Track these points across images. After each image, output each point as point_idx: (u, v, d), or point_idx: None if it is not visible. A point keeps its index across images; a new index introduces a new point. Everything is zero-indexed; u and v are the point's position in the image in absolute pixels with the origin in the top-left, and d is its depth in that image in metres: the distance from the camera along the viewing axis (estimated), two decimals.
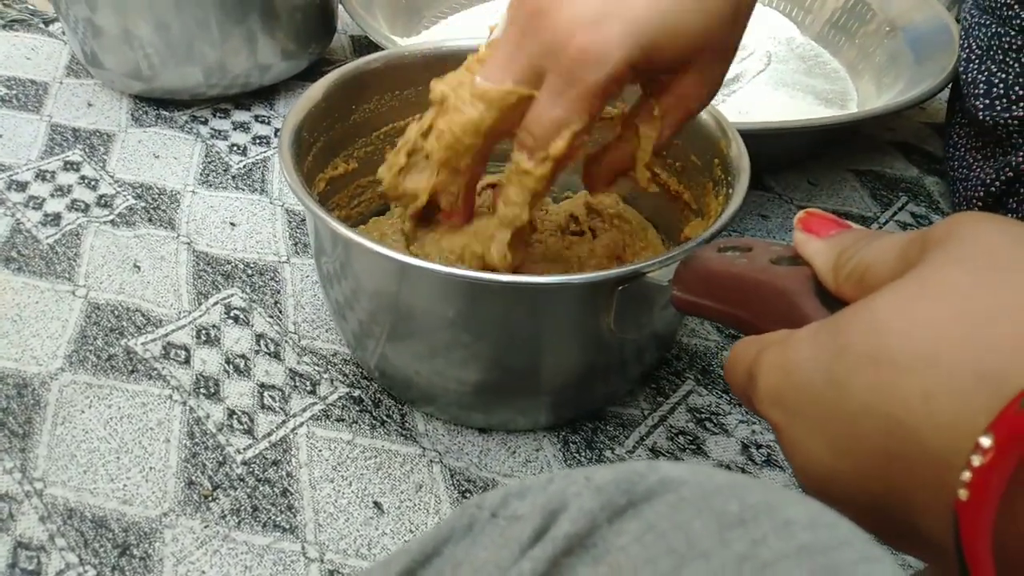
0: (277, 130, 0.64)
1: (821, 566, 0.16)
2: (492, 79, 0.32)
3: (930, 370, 0.18)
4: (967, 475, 0.17)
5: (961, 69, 0.57)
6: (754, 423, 0.43)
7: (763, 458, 0.41)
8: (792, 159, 0.64)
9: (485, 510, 0.20)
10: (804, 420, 0.21)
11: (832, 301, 0.24)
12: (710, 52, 0.32)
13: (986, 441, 0.16)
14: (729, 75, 0.70)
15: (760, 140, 0.58)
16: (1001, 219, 0.20)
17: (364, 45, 0.77)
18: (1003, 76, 0.52)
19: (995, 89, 0.52)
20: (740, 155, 0.40)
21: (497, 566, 0.18)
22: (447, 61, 0.48)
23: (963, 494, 0.17)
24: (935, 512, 0.18)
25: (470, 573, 0.18)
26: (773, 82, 0.72)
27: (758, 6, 0.82)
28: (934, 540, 0.19)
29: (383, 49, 0.59)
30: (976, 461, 0.16)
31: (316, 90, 0.43)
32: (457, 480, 0.39)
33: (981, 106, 0.53)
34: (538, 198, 0.34)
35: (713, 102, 0.61)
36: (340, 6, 0.68)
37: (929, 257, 0.20)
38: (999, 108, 0.51)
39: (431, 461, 0.40)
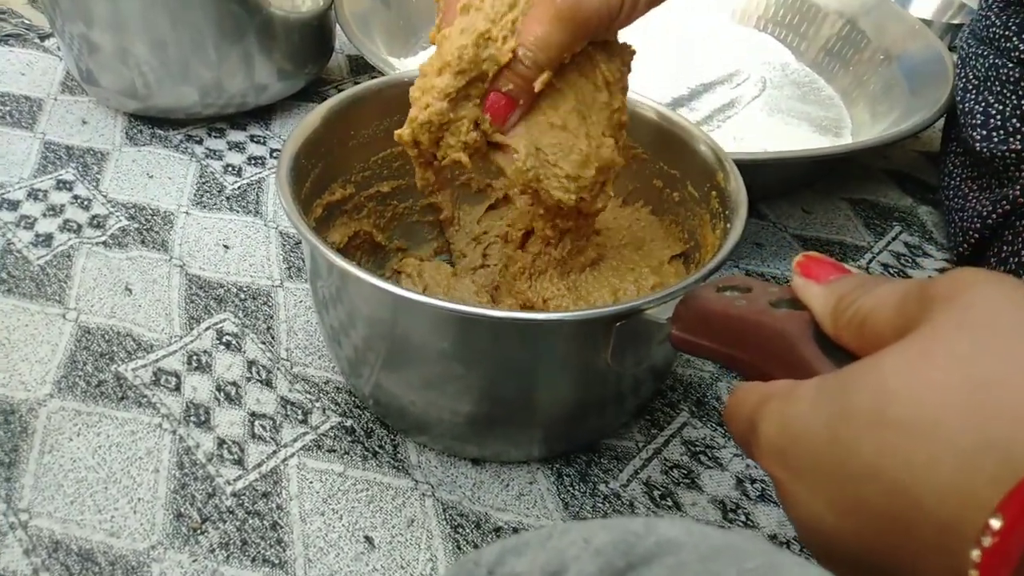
0: (273, 150, 0.64)
1: None
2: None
3: (934, 436, 0.18)
4: (977, 554, 0.17)
5: (958, 99, 0.57)
6: (748, 457, 0.43)
7: (757, 493, 0.41)
8: (787, 187, 0.64)
9: (482, 568, 0.20)
10: (806, 478, 0.21)
11: (831, 346, 0.24)
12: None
13: (996, 523, 0.16)
14: (724, 100, 0.72)
15: (755, 169, 0.58)
16: (1003, 279, 0.20)
17: (361, 66, 0.77)
18: (1000, 108, 0.52)
19: (992, 120, 0.52)
20: (738, 189, 0.40)
21: None
22: None
23: (974, 575, 0.17)
24: (937, 574, 0.18)
25: None
26: (768, 108, 0.72)
27: (753, 31, 0.83)
28: None
29: (379, 69, 0.59)
30: (986, 542, 0.17)
31: (314, 116, 0.43)
32: (450, 514, 0.39)
33: (978, 137, 0.53)
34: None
35: (708, 127, 0.61)
36: (337, 27, 0.68)
37: (933, 318, 0.20)
38: (996, 140, 0.52)
39: (423, 494, 0.40)
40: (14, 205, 0.55)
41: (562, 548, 0.19)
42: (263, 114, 0.67)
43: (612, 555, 0.18)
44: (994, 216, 0.51)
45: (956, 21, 0.89)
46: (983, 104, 0.54)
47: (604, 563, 0.18)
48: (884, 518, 0.19)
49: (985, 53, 0.55)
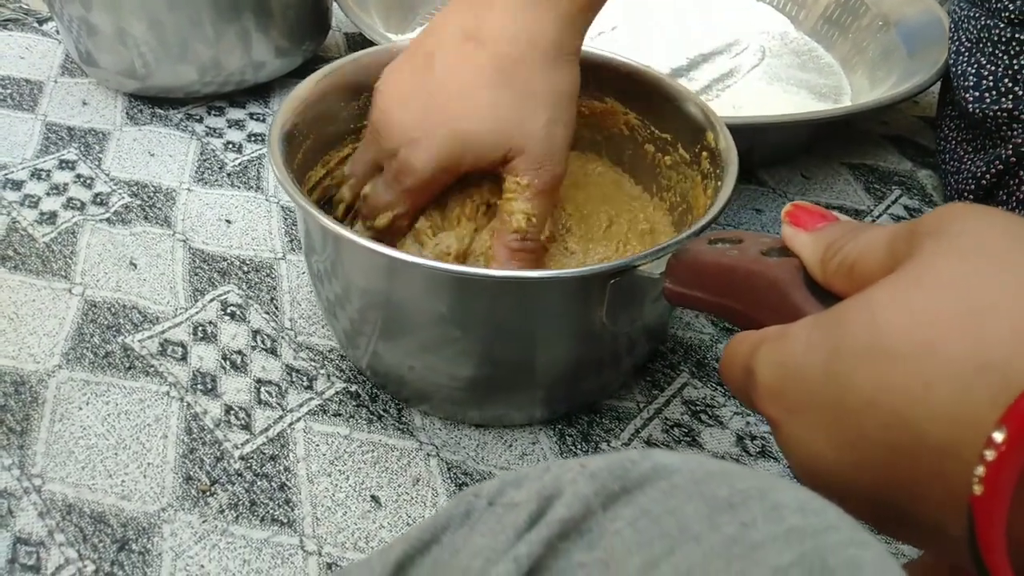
0: None
1: (810, 548, 0.16)
2: (351, 171, 0.43)
3: (930, 362, 0.18)
4: (980, 469, 0.17)
5: (951, 62, 0.57)
6: (749, 415, 0.43)
7: (757, 449, 0.41)
8: (786, 153, 0.64)
9: (482, 499, 0.20)
10: (804, 416, 0.22)
11: (822, 292, 0.25)
12: (521, 153, 0.38)
13: (999, 436, 0.16)
14: (723, 70, 0.72)
15: (754, 134, 0.58)
16: (988, 209, 0.20)
17: (358, 42, 0.77)
18: (992, 68, 0.52)
19: (984, 81, 0.52)
20: (728, 147, 0.41)
21: (494, 550, 0.18)
22: None
23: (977, 489, 0.17)
24: (940, 501, 0.19)
25: (468, 559, 0.18)
26: (767, 77, 0.72)
27: (752, 1, 0.83)
28: (936, 529, 0.19)
29: (377, 45, 0.59)
30: (989, 455, 0.17)
31: (305, 87, 0.43)
32: (454, 473, 0.39)
33: (971, 98, 0.53)
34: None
35: (707, 97, 0.61)
36: (334, 3, 0.68)
37: (922, 250, 0.20)
38: (988, 100, 0.52)
39: (428, 455, 0.40)
40: (18, 185, 0.56)
41: (559, 475, 0.19)
42: (262, 92, 0.67)
43: (607, 479, 0.19)
44: (988, 176, 0.51)
45: None
46: (975, 66, 0.54)
47: (599, 486, 0.18)
48: (883, 449, 0.19)
49: (976, 15, 0.55)
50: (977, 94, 0.53)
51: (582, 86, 0.40)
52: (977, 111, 0.52)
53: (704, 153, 0.43)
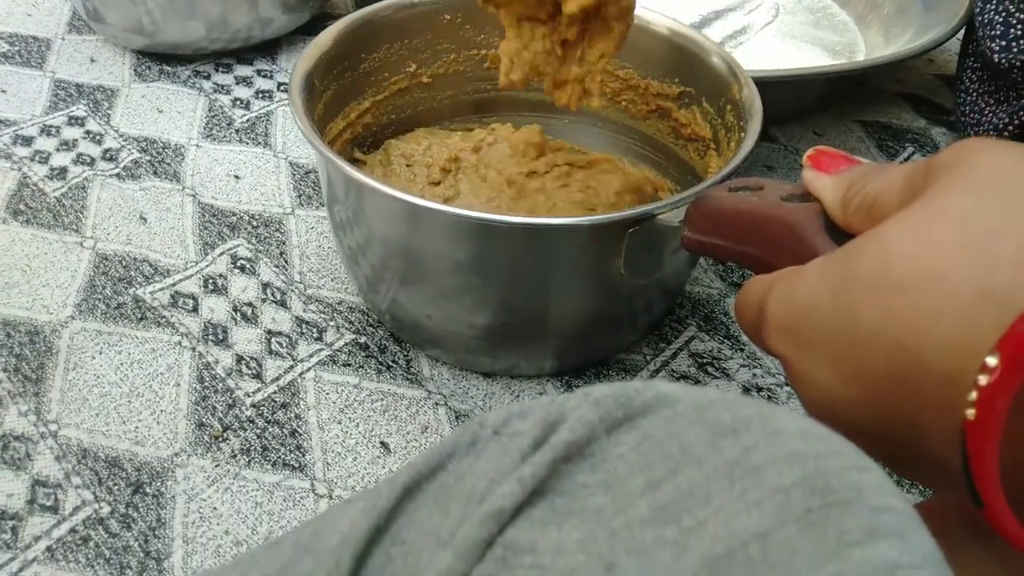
0: (280, 84, 0.64)
1: (811, 472, 0.17)
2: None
3: (935, 290, 0.18)
4: (974, 395, 0.17)
5: (977, 11, 0.56)
6: (755, 367, 0.43)
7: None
8: (799, 110, 0.63)
9: (488, 428, 0.20)
10: (812, 350, 0.22)
11: (841, 236, 0.25)
12: None
13: (992, 360, 0.16)
14: (737, 27, 0.71)
15: (766, 90, 0.57)
16: (1005, 143, 0.20)
17: None
18: (1021, 17, 0.51)
19: (1012, 30, 0.51)
20: (752, 97, 0.40)
21: (499, 472, 0.18)
22: (458, 10, 0.48)
23: (970, 413, 0.17)
24: (942, 433, 0.19)
25: (472, 482, 0.19)
26: (781, 34, 0.71)
27: None
28: (941, 463, 0.19)
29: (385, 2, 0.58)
30: (983, 380, 0.17)
31: (325, 37, 0.43)
32: (461, 421, 0.40)
33: (997, 48, 0.52)
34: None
35: (718, 46, 0.59)
36: None
37: (935, 184, 0.20)
38: (1016, 49, 0.51)
39: (436, 403, 0.41)
40: (28, 141, 0.56)
41: (563, 403, 0.19)
42: (269, 48, 0.67)
43: (611, 406, 0.19)
44: (1011, 128, 0.50)
45: None
46: (1003, 14, 0.53)
47: (603, 413, 0.19)
48: (890, 380, 0.19)
49: None
50: (1004, 43, 0.51)
51: None
52: (1003, 61, 0.51)
53: (728, 106, 0.42)
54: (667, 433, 0.18)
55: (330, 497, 0.36)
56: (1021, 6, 0.51)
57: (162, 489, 0.36)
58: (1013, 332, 0.16)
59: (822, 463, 0.17)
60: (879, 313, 0.19)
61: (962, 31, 0.60)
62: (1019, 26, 0.51)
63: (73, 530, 0.35)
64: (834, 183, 0.25)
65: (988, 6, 0.54)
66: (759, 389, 0.42)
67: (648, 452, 0.18)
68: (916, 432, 0.20)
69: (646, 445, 0.18)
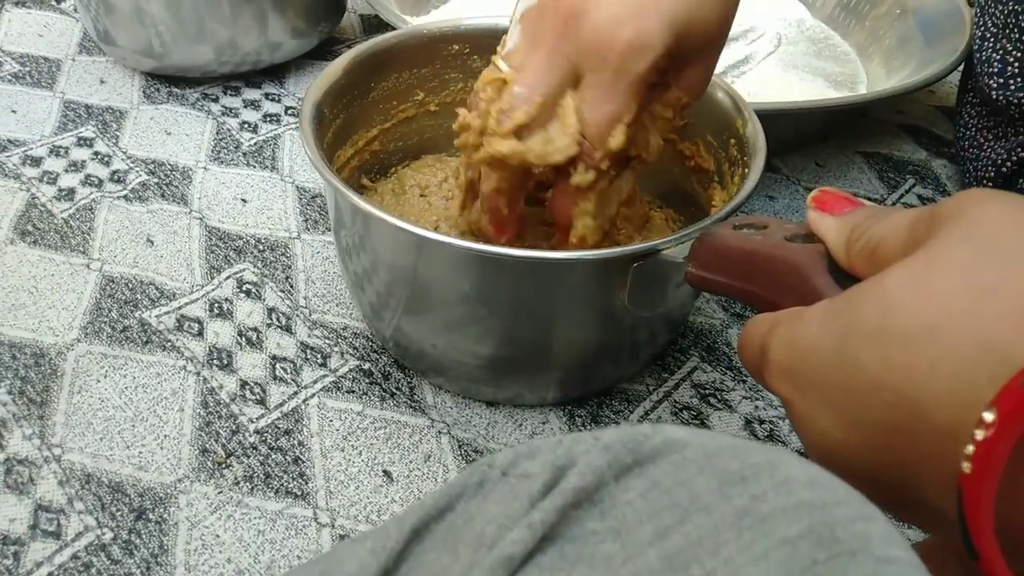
0: (288, 108, 0.64)
1: (819, 522, 0.17)
2: (532, 86, 0.33)
3: (935, 343, 0.18)
4: (970, 448, 0.17)
5: (975, 48, 0.57)
6: (757, 399, 0.43)
7: (766, 433, 0.42)
8: (801, 141, 0.64)
9: (496, 469, 0.21)
10: (813, 395, 0.22)
11: (844, 278, 0.25)
12: (719, 40, 0.35)
13: (989, 415, 0.17)
14: (739, 56, 0.71)
15: (769, 121, 0.58)
16: (1009, 195, 0.21)
17: (374, 24, 0.77)
18: (1018, 55, 0.52)
19: (1010, 68, 0.52)
20: (756, 133, 0.41)
21: (508, 517, 0.18)
22: (465, 40, 0.48)
23: (967, 467, 0.17)
24: (940, 484, 0.19)
25: (482, 525, 0.19)
26: (783, 64, 0.72)
27: None
28: (938, 511, 0.19)
29: (393, 27, 0.59)
30: (979, 435, 0.17)
31: (335, 67, 0.43)
32: (465, 450, 0.40)
33: (995, 85, 0.53)
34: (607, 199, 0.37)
35: (723, 81, 0.60)
36: None
37: (938, 234, 0.20)
38: (1013, 87, 0.51)
39: (439, 432, 0.41)
40: (37, 161, 0.56)
41: (572, 446, 0.19)
42: (277, 72, 0.68)
43: (620, 451, 0.19)
44: (1009, 164, 0.51)
45: None
46: (1000, 52, 0.53)
47: (612, 458, 0.19)
48: (888, 429, 0.20)
49: (1004, 0, 0.55)
50: (1001, 80, 0.52)
51: None
52: (1001, 98, 0.52)
53: (732, 140, 0.43)
54: (676, 480, 0.18)
55: (332, 526, 0.36)
56: (1018, 44, 0.52)
57: (165, 515, 0.36)
58: (1010, 388, 0.17)
59: (829, 513, 0.17)
60: (879, 362, 0.19)
61: (962, 66, 0.60)
62: (1016, 64, 0.52)
63: (75, 556, 0.35)
64: (838, 225, 0.25)
65: (986, 44, 0.55)
66: (761, 422, 0.42)
67: (657, 500, 0.18)
68: (915, 480, 0.20)
69: (655, 492, 0.18)
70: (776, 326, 0.24)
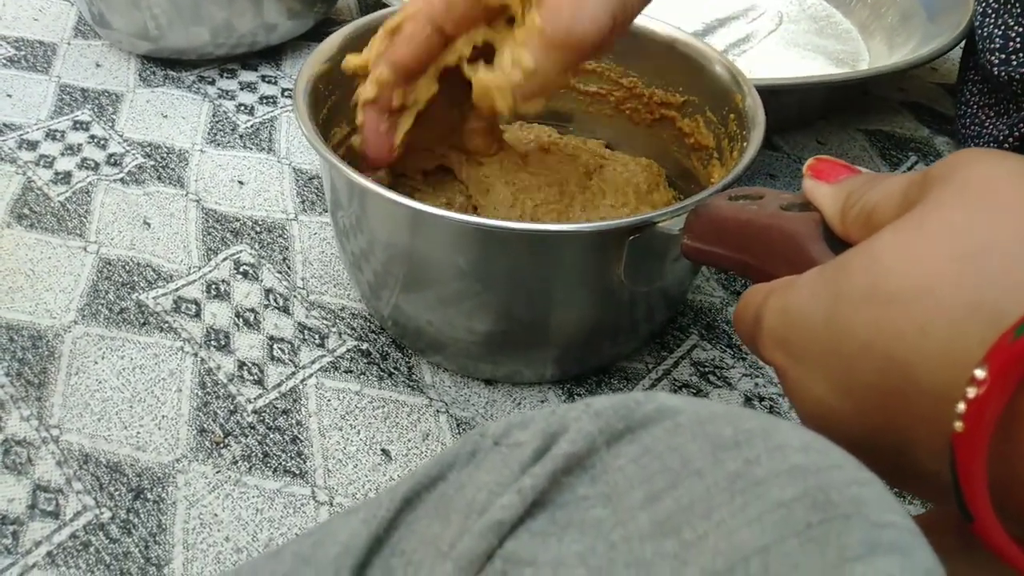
0: (285, 90, 0.64)
1: (813, 486, 0.17)
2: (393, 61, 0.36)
3: (925, 304, 0.18)
4: (962, 407, 0.17)
5: (977, 24, 0.56)
6: (757, 376, 0.43)
7: (765, 410, 0.42)
8: (802, 119, 0.63)
9: (488, 438, 0.20)
10: (806, 361, 0.22)
11: (839, 245, 0.24)
12: None
13: (980, 373, 0.16)
14: (740, 35, 0.71)
15: (770, 98, 0.57)
16: (1001, 154, 0.20)
17: (369, 5, 0.76)
18: (1020, 31, 0.51)
19: (1011, 43, 0.51)
20: (755, 107, 0.40)
21: (499, 484, 0.18)
22: None
23: (959, 426, 0.17)
24: (933, 446, 0.19)
25: (473, 492, 0.19)
26: (784, 42, 0.71)
27: None
28: (934, 476, 0.19)
29: (389, 5, 0.58)
30: (971, 393, 0.17)
31: (331, 43, 0.43)
32: (463, 429, 0.40)
33: (996, 61, 0.52)
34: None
35: (721, 55, 0.59)
36: None
37: (928, 196, 0.20)
38: (1015, 63, 0.51)
39: (437, 411, 0.41)
40: (33, 145, 0.56)
41: (564, 413, 0.19)
42: (273, 54, 0.67)
43: (612, 418, 0.19)
44: (1010, 140, 0.50)
45: None
46: (1002, 27, 0.53)
47: (604, 424, 0.19)
48: (881, 393, 0.20)
49: None
50: (1003, 56, 0.52)
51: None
52: (1003, 74, 0.51)
53: (731, 115, 0.42)
54: (668, 446, 0.18)
55: (331, 504, 0.36)
56: (1020, 20, 0.51)
57: (163, 495, 0.36)
58: (1001, 344, 0.16)
59: (823, 477, 0.17)
60: (870, 326, 0.19)
61: (963, 43, 0.60)
62: (1018, 39, 0.51)
63: (74, 535, 0.35)
64: (833, 192, 0.25)
65: (987, 20, 0.55)
66: (761, 399, 0.42)
67: (649, 465, 0.18)
68: (908, 445, 0.20)
69: (647, 458, 0.18)
70: (769, 295, 0.24)
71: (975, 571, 0.21)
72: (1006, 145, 0.51)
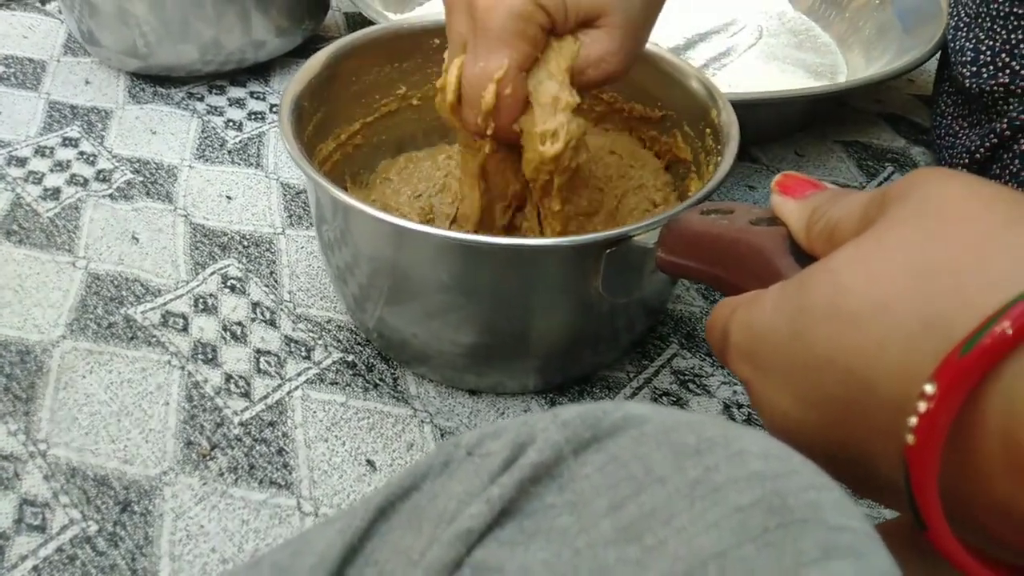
0: (273, 106, 0.65)
1: (770, 491, 0.17)
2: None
3: (883, 320, 0.19)
4: (913, 421, 0.17)
5: (949, 37, 0.58)
6: (735, 384, 0.44)
7: (744, 418, 0.42)
8: (780, 130, 0.64)
9: (461, 448, 0.21)
10: (771, 374, 0.22)
11: (806, 259, 0.25)
12: (620, 14, 0.34)
13: (930, 388, 0.17)
14: (721, 49, 0.72)
15: (749, 111, 0.58)
16: (956, 174, 0.21)
17: (358, 22, 0.77)
18: (990, 43, 0.53)
19: (982, 56, 0.53)
20: (730, 122, 0.41)
21: (468, 493, 0.19)
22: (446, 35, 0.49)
23: (910, 439, 0.18)
24: (890, 458, 0.19)
25: (444, 502, 0.19)
26: (764, 56, 0.72)
27: None
28: (893, 485, 0.20)
29: (376, 23, 0.59)
30: (921, 407, 0.17)
31: (317, 60, 0.44)
32: (447, 439, 0.40)
33: (968, 73, 0.53)
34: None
35: (697, 71, 0.61)
36: None
37: (887, 214, 0.21)
38: (985, 75, 0.52)
39: (422, 421, 0.41)
40: (22, 161, 0.57)
41: (533, 423, 0.20)
42: (262, 71, 0.68)
43: (579, 427, 0.19)
44: (982, 150, 0.52)
45: None
46: (973, 40, 0.54)
47: (571, 434, 0.19)
48: (842, 406, 0.20)
49: None
50: (974, 69, 0.53)
51: None
52: (974, 86, 0.53)
53: (707, 130, 0.43)
54: (633, 454, 0.19)
55: (316, 515, 0.37)
56: (990, 33, 0.53)
57: (150, 507, 0.37)
58: (949, 360, 0.17)
59: (781, 483, 0.18)
60: (830, 341, 0.20)
61: (939, 55, 0.61)
62: (988, 52, 0.52)
63: (60, 549, 0.35)
64: (799, 208, 0.26)
65: (959, 33, 0.56)
66: (739, 406, 0.43)
67: (614, 473, 0.18)
68: (868, 456, 0.20)
69: (612, 466, 0.19)
70: (736, 309, 0.24)
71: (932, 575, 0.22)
72: (978, 155, 0.52)
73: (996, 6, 0.53)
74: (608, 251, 0.34)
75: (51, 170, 0.56)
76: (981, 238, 0.19)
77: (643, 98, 0.49)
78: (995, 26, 0.53)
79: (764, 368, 0.23)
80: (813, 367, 0.21)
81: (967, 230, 0.19)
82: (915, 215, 0.20)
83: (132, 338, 0.45)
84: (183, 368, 0.43)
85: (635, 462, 0.19)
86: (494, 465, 0.19)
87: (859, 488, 0.23)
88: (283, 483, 0.38)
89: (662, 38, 0.73)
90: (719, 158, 0.41)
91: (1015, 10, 0.51)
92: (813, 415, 0.21)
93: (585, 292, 0.37)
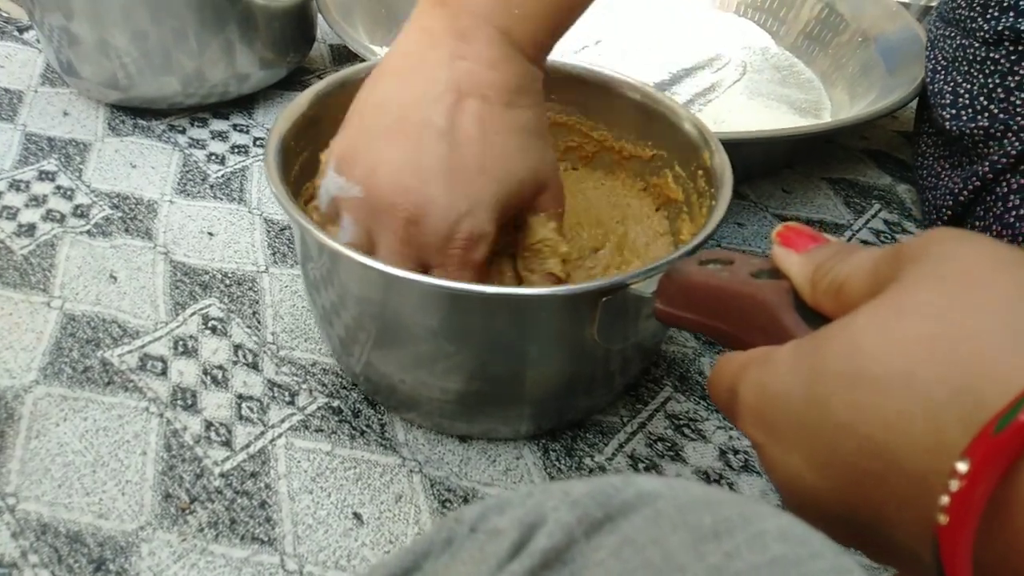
0: (257, 139, 0.64)
1: None
2: None
3: (906, 389, 0.18)
4: (945, 500, 0.17)
5: (928, 80, 0.58)
6: (731, 429, 0.43)
7: (740, 464, 0.42)
8: (767, 168, 0.65)
9: (464, 524, 0.20)
10: (784, 439, 0.22)
11: (810, 314, 0.25)
12: (547, 182, 0.38)
13: (962, 466, 0.17)
14: (705, 84, 0.72)
15: (737, 149, 0.58)
16: (973, 236, 0.21)
17: (343, 54, 0.77)
18: (968, 87, 0.53)
19: (960, 100, 0.53)
20: (723, 165, 0.41)
21: None
22: None
23: (942, 519, 0.17)
24: (912, 528, 0.19)
25: None
26: (748, 92, 0.73)
27: (734, 16, 0.84)
28: (912, 552, 0.19)
29: (362, 56, 0.59)
30: (954, 486, 0.17)
31: (302, 99, 0.43)
32: (437, 490, 0.39)
33: (948, 116, 0.54)
34: None
35: (690, 112, 0.61)
36: (319, 15, 0.68)
37: (904, 275, 0.20)
38: (964, 118, 0.53)
39: (411, 471, 0.40)
40: None
41: (542, 501, 0.19)
42: (246, 103, 0.67)
43: (590, 506, 0.18)
44: (965, 193, 0.52)
45: (933, 3, 0.89)
46: (952, 84, 0.55)
47: (582, 513, 0.18)
48: (859, 474, 0.20)
49: (952, 34, 0.56)
50: (954, 112, 0.53)
51: (575, 104, 0.40)
52: (954, 128, 0.53)
53: (700, 172, 0.43)
54: (648, 537, 0.18)
55: (300, 573, 0.35)
56: (968, 76, 0.53)
57: (126, 565, 0.35)
58: (983, 437, 0.16)
59: (803, 568, 0.17)
60: (849, 408, 0.19)
61: (918, 97, 0.62)
62: (966, 96, 0.53)
63: None
64: (802, 262, 0.25)
65: (937, 76, 0.56)
66: (735, 452, 0.42)
67: (629, 558, 0.18)
68: (887, 524, 0.20)
69: (627, 550, 0.18)
70: (746, 368, 0.24)
71: None
72: (961, 197, 0.52)
73: (972, 51, 0.54)
74: (604, 299, 0.34)
75: (26, 205, 0.55)
76: (1005, 305, 0.18)
77: (634, 137, 0.48)
78: (972, 70, 0.54)
79: (777, 430, 0.22)
80: (830, 433, 0.20)
81: (990, 296, 0.19)
82: (934, 278, 0.20)
83: (108, 383, 0.43)
84: (161, 415, 0.41)
85: (651, 546, 0.18)
86: (501, 549, 0.18)
87: (873, 553, 0.22)
88: (266, 539, 0.36)
89: (647, 73, 0.73)
90: (712, 201, 0.40)
91: (991, 55, 0.52)
92: (828, 481, 0.21)
93: (580, 340, 0.36)
